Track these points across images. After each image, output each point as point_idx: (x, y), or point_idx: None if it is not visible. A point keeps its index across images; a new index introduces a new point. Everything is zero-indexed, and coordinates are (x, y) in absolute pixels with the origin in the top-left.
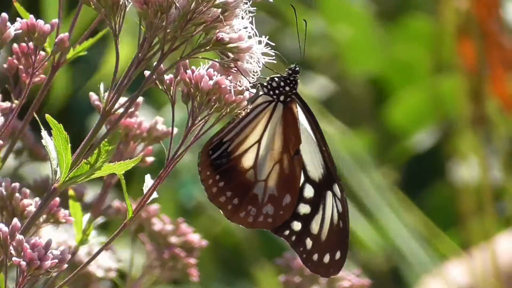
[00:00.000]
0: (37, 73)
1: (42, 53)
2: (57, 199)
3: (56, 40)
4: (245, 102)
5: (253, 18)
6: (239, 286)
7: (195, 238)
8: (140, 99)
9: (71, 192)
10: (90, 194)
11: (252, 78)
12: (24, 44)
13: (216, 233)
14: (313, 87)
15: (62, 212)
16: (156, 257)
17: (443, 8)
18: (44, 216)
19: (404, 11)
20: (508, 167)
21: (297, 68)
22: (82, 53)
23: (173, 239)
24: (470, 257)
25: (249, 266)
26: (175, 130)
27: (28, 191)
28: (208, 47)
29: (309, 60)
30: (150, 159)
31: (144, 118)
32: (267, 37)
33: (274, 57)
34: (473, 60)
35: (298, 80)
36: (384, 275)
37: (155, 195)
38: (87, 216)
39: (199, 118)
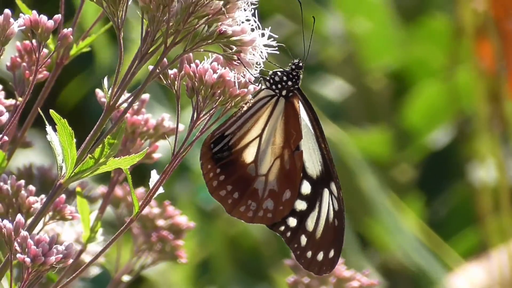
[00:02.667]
0: (40, 69)
1: (44, 50)
2: (63, 196)
3: (59, 35)
4: (250, 96)
5: (255, 11)
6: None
7: (182, 220)
8: (147, 96)
9: (78, 189)
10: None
11: (255, 70)
12: (27, 42)
13: (234, 235)
14: (330, 88)
15: (68, 208)
16: (144, 241)
17: (461, 9)
18: (50, 213)
19: (423, 10)
20: None
21: (300, 64)
22: (85, 50)
23: (161, 222)
24: (488, 258)
25: (267, 268)
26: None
27: (34, 188)
28: (211, 40)
29: (326, 60)
30: (157, 155)
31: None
32: (284, 39)
33: (276, 49)
34: (490, 61)
35: (301, 76)
36: (403, 275)
37: (161, 190)
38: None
39: (204, 112)
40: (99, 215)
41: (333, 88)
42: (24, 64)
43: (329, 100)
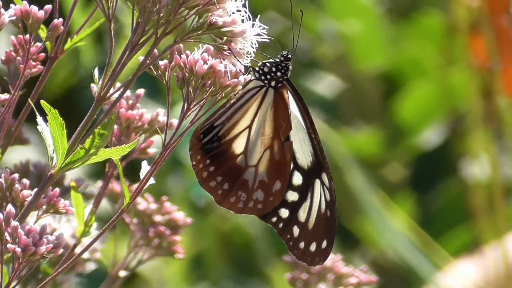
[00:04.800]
0: (35, 63)
1: (40, 44)
2: (57, 189)
3: (49, 26)
4: (240, 86)
5: (246, 2)
6: (250, 284)
7: (179, 216)
8: (141, 90)
9: (72, 183)
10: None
11: (246, 60)
12: (21, 36)
13: (227, 231)
14: (322, 85)
15: (62, 202)
16: (141, 236)
17: (454, 5)
18: (44, 206)
19: (417, 8)
20: None
21: (289, 55)
22: (80, 43)
23: (158, 218)
24: (481, 255)
25: (260, 263)
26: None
27: (28, 182)
28: (201, 31)
29: (320, 58)
30: (152, 150)
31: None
32: (278, 36)
33: (267, 38)
34: (484, 57)
35: (290, 67)
36: (394, 272)
37: (152, 181)
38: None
39: (194, 103)
40: (94, 209)
41: (326, 85)
42: (19, 58)
43: (322, 97)
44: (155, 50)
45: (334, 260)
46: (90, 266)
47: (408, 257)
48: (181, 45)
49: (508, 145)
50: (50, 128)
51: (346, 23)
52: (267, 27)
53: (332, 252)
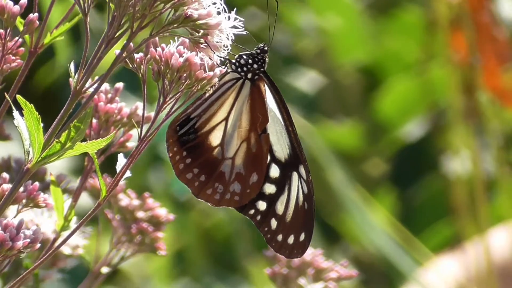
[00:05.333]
0: (14, 58)
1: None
2: (37, 183)
3: (25, 21)
4: (216, 79)
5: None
6: (230, 279)
7: (162, 212)
8: (120, 84)
9: (52, 178)
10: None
11: (223, 52)
12: (1, 31)
13: (208, 227)
14: (303, 80)
15: (42, 196)
16: (123, 232)
17: (435, 0)
18: (24, 200)
19: (397, 3)
20: (500, 160)
21: (266, 48)
22: (59, 38)
23: (140, 214)
24: (462, 251)
25: (240, 259)
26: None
27: (7, 176)
28: (177, 24)
29: (300, 53)
30: (131, 144)
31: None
32: (258, 31)
33: (243, 30)
34: (465, 53)
35: (267, 59)
36: (375, 268)
37: (128, 174)
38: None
39: (170, 96)
40: (73, 204)
41: (307, 80)
42: None
43: (302, 92)
44: (131, 44)
45: (314, 254)
46: (71, 262)
47: (388, 253)
48: (156, 38)
49: (489, 141)
50: (26, 123)
51: (327, 18)
52: (244, 20)
53: (314, 247)
